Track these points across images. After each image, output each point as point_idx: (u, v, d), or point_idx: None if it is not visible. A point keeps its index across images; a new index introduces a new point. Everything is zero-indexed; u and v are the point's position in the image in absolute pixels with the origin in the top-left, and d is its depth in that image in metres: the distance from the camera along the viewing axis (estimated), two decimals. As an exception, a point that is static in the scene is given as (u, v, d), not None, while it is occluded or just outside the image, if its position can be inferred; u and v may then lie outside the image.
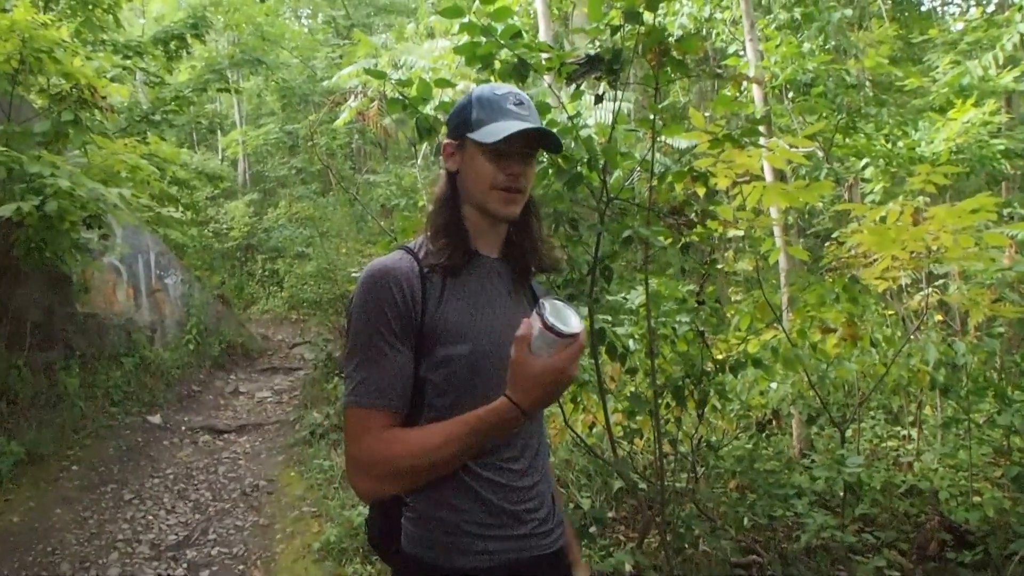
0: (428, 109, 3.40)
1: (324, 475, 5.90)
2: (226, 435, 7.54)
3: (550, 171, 3.02)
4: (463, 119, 1.51)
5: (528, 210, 1.59)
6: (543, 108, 3.41)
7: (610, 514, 4.11)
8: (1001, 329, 4.76)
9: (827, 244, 4.82)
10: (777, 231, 4.77)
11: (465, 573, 1.43)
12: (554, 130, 3.21)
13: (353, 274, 8.25)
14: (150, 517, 5.50)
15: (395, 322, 1.41)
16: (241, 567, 4.75)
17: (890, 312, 5.49)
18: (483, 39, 2.93)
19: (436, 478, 1.42)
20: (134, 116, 11.34)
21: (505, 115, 1.48)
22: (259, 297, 15.09)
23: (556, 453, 4.82)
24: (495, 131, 1.45)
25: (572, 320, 1.32)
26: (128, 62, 10.12)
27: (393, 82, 3.43)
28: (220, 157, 19.64)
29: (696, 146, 3.44)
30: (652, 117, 3.17)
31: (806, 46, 6.14)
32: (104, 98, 6.94)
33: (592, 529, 3.63)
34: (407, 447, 1.38)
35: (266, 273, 15.52)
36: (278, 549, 4.96)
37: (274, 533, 5.22)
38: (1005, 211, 6.62)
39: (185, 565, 4.78)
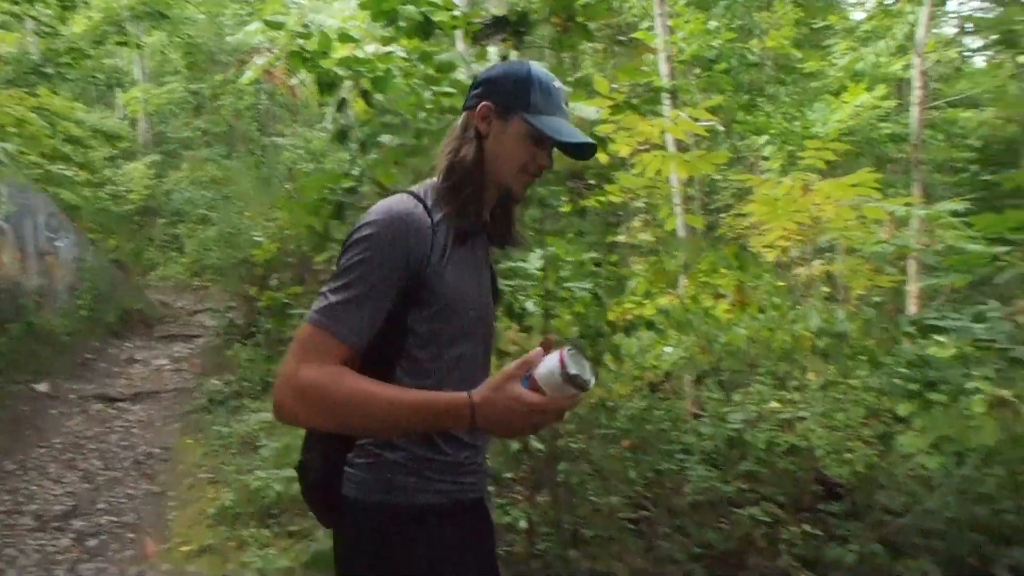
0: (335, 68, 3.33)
1: (222, 441, 5.78)
2: (119, 403, 7.26)
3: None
4: (520, 94, 1.50)
5: None
6: (448, 67, 3.40)
7: (508, 474, 4.19)
8: (878, 299, 5.08)
9: (723, 216, 5.01)
10: (677, 201, 4.92)
11: (423, 510, 1.47)
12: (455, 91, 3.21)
13: (256, 238, 8.04)
14: (34, 488, 5.26)
15: (397, 272, 1.40)
16: (132, 535, 4.61)
17: (782, 284, 5.76)
18: (387, -7, 2.89)
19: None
20: (23, 67, 10.65)
21: (561, 112, 1.52)
22: (159, 263, 14.50)
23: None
24: (560, 129, 1.49)
25: (588, 373, 1.30)
26: (16, 8, 9.45)
27: (294, 34, 3.35)
28: (121, 116, 18.63)
29: (600, 115, 3.50)
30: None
31: (712, 23, 6.30)
32: (-16, 43, 6.48)
33: (490, 488, 3.70)
34: (349, 389, 1.33)
35: (167, 238, 14.90)
36: (172, 516, 4.84)
37: (168, 500, 5.08)
38: (890, 191, 7.03)
39: (72, 535, 4.59)
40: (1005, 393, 4.09)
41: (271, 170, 10.32)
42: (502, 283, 1.81)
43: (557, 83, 1.54)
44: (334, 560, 1.56)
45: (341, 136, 3.04)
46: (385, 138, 3.25)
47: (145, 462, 5.80)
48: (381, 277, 1.38)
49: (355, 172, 3.31)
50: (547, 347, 1.42)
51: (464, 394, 1.33)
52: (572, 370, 1.26)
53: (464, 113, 1.55)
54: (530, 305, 3.31)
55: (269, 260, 7.75)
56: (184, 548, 4.31)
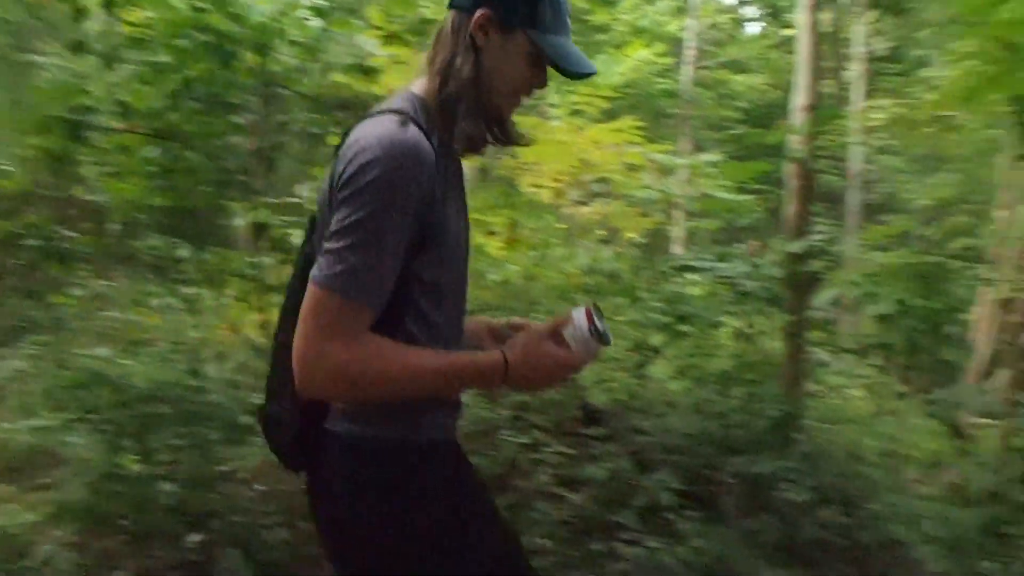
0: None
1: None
2: None
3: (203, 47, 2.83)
4: (528, 6, 1.31)
5: None
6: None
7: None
8: (645, 241, 5.50)
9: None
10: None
11: (432, 445, 1.38)
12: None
13: (5, 167, 7.12)
14: None
15: (412, 215, 1.24)
16: None
17: (562, 226, 6.08)
18: None
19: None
20: None
21: (567, 30, 1.37)
22: None
23: (234, 357, 4.69)
24: (571, 57, 1.35)
25: (608, 329, 1.36)
26: None
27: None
28: None
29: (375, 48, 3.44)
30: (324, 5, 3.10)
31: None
32: None
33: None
34: (391, 365, 1.24)
35: None
36: None
37: None
38: (665, 142, 7.57)
39: None
40: (741, 325, 4.63)
41: (26, 92, 9.10)
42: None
43: None
44: (313, 505, 1.41)
45: (76, 47, 2.74)
46: (136, 55, 2.99)
47: None
48: (396, 228, 1.23)
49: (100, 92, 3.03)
50: (516, 328, 1.49)
51: (498, 353, 1.31)
52: (600, 326, 1.34)
53: (452, 13, 1.34)
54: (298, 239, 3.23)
55: (21, 192, 6.88)
56: (-93, 514, 3.84)
